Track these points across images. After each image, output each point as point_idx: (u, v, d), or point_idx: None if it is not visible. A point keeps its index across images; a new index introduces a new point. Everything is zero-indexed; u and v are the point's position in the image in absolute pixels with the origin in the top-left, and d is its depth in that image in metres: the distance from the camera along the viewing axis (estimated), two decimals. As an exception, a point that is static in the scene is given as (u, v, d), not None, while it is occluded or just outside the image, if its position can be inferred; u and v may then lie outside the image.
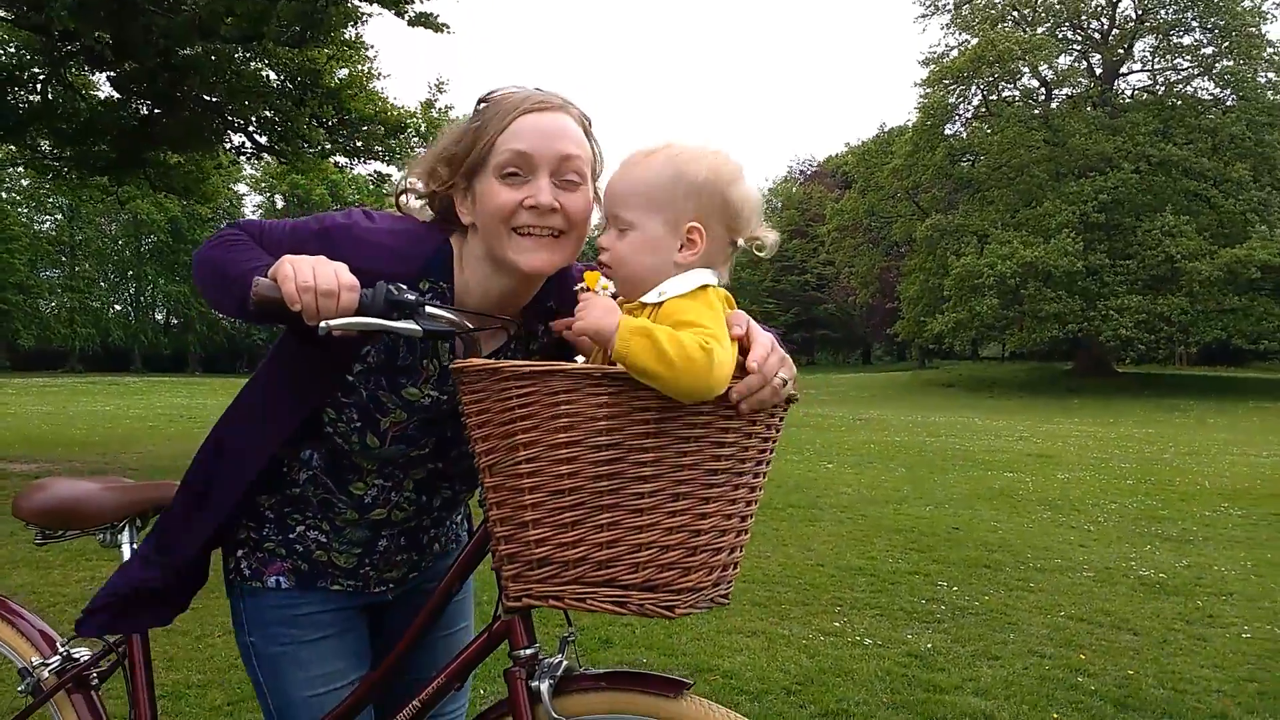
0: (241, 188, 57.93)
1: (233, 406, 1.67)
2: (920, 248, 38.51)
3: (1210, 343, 36.46)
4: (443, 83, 20.29)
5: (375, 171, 15.71)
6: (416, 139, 14.55)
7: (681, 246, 1.39)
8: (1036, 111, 37.45)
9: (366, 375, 1.55)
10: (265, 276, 1.36)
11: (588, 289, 1.39)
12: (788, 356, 1.39)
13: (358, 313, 1.36)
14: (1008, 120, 36.32)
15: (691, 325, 1.29)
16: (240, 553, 1.67)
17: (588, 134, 1.56)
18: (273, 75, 12.57)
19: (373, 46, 13.41)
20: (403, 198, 1.64)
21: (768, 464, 1.42)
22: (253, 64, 12.27)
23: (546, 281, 1.62)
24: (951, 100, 38.59)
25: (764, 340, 1.37)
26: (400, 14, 11.08)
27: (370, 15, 11.59)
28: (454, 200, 1.56)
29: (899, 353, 58.87)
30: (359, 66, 13.29)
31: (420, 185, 1.59)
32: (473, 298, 1.56)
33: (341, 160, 14.35)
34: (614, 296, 1.40)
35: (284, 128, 12.66)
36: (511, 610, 1.43)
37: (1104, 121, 35.45)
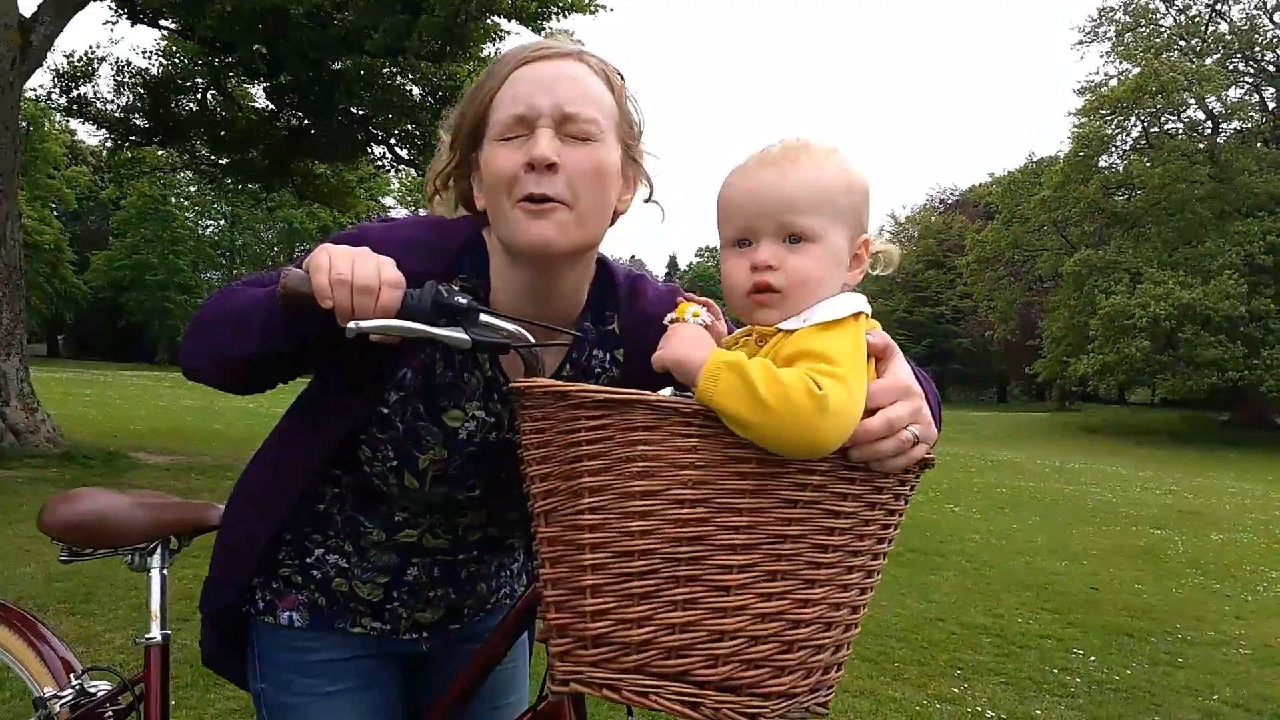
0: (389, 200, 60.21)
1: (264, 444, 1.52)
2: (1066, 284, 36.76)
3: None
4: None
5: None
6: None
7: (851, 262, 1.19)
8: (1202, 145, 35.34)
9: (403, 404, 1.37)
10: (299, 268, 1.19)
11: (677, 320, 1.17)
12: (926, 410, 1.11)
13: (398, 315, 1.18)
14: (1169, 154, 34.36)
15: (813, 357, 1.04)
16: (255, 580, 1.49)
17: (612, 88, 1.32)
18: (416, 90, 12.90)
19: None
20: (436, 199, 1.44)
21: (890, 542, 1.16)
22: (398, 78, 12.63)
23: (606, 296, 1.42)
24: (1109, 131, 36.81)
25: (901, 375, 1.11)
26: (537, 30, 11.21)
27: (508, 33, 11.78)
28: (472, 187, 1.37)
29: (1037, 393, 56.35)
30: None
31: (442, 164, 1.40)
32: (501, 303, 1.35)
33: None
34: (706, 328, 1.18)
35: (423, 141, 12.97)
36: (559, 693, 1.23)
37: (1276, 159, 33.19)
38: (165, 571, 1.76)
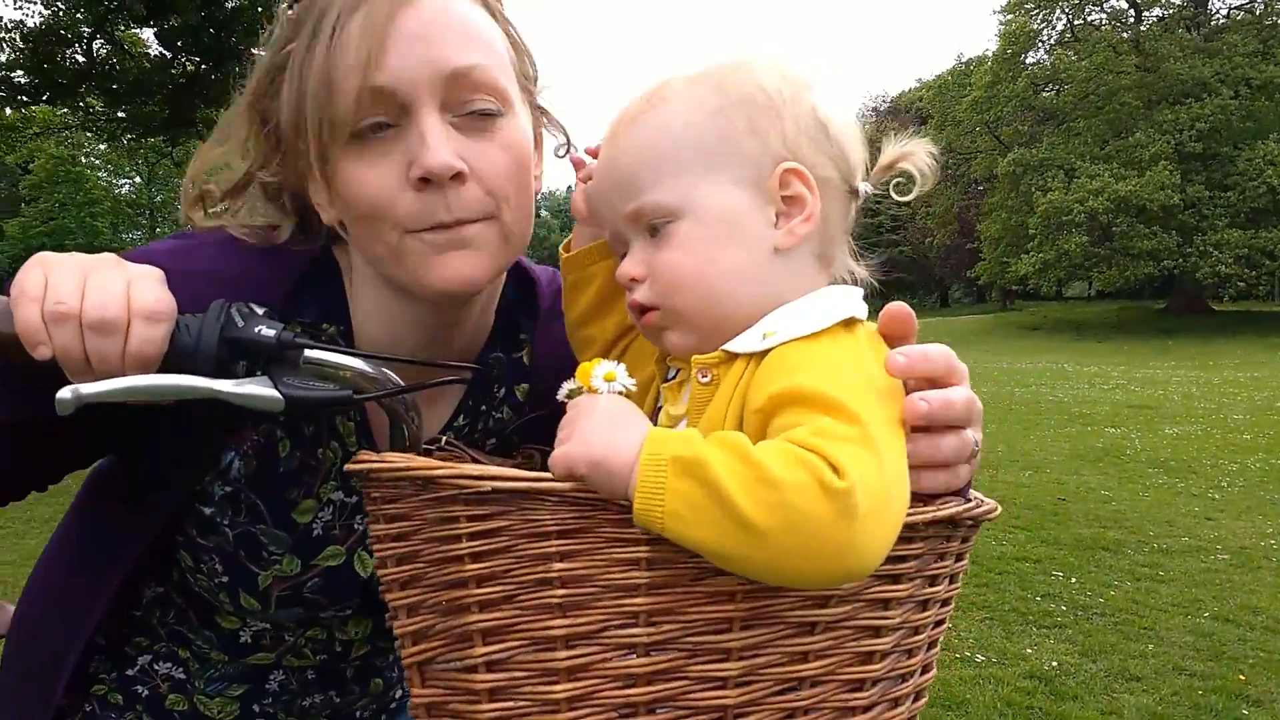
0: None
1: (54, 536, 1.09)
2: (1002, 184, 36.85)
3: (1316, 277, 34.37)
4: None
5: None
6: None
7: (778, 215, 0.77)
8: (1126, 35, 35.32)
9: (232, 502, 0.93)
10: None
11: (579, 391, 0.74)
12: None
13: (166, 363, 0.73)
14: (1095, 45, 34.33)
15: (805, 405, 0.64)
16: (61, 703, 1.07)
17: (491, 12, 0.88)
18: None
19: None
20: (199, 211, 0.95)
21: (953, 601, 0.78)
22: (299, 12, 11.81)
23: (520, 312, 1.00)
24: (1034, 26, 36.58)
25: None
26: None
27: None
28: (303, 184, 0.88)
29: (979, 295, 57.01)
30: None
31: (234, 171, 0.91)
32: (380, 348, 0.92)
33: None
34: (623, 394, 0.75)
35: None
36: None
37: (1199, 44, 33.26)
38: None
